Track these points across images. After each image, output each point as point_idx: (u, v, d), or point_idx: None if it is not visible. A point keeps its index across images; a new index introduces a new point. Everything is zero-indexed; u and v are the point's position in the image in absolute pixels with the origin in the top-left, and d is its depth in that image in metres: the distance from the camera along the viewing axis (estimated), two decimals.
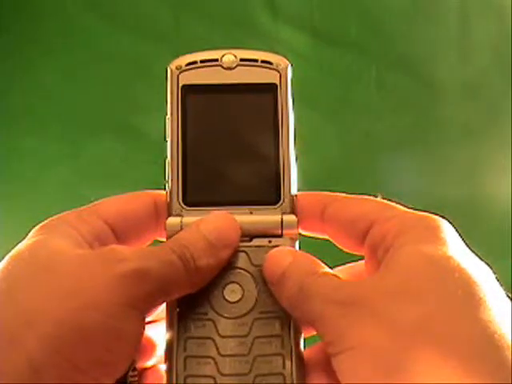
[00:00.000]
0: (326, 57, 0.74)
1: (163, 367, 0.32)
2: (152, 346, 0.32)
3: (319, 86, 0.72)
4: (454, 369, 0.22)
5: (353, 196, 0.30)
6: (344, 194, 0.31)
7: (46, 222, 0.29)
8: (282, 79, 0.31)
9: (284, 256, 0.28)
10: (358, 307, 0.25)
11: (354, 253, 0.30)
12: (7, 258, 0.27)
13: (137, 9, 0.74)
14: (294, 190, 0.31)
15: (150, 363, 0.32)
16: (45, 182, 0.70)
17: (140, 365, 0.32)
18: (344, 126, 0.73)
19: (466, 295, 0.24)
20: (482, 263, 0.26)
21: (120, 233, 0.30)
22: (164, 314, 0.32)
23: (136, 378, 0.29)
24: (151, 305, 0.26)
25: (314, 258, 0.28)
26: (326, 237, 0.31)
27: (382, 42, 0.75)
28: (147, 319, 0.32)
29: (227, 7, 0.74)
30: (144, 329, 0.27)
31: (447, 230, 0.27)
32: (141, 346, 0.29)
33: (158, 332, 0.32)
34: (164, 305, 0.30)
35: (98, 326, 0.24)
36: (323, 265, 0.29)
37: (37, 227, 0.29)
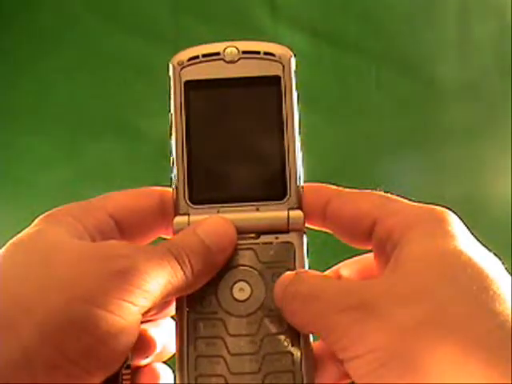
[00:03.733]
0: (326, 57, 0.74)
1: (159, 365, 0.32)
2: (151, 344, 0.32)
3: (319, 86, 0.72)
4: (477, 364, 0.22)
5: (355, 191, 0.30)
6: (347, 189, 0.30)
7: (50, 211, 0.29)
8: (286, 71, 0.31)
9: (285, 276, 0.28)
10: (370, 312, 0.24)
11: (359, 247, 0.30)
12: (8, 245, 0.27)
13: (137, 9, 0.74)
14: (300, 184, 0.30)
15: (146, 361, 0.32)
16: (44, 182, 0.70)
17: (136, 362, 0.31)
18: (344, 126, 0.73)
19: (481, 290, 0.24)
20: (491, 254, 0.26)
21: (124, 228, 0.30)
22: (167, 313, 0.32)
23: (129, 376, 0.29)
24: (147, 302, 0.26)
25: (315, 271, 0.28)
26: (330, 232, 0.31)
27: (382, 42, 0.75)
28: (153, 317, 0.32)
29: (227, 7, 0.74)
30: (140, 325, 0.27)
31: (454, 223, 0.27)
32: (138, 344, 0.29)
33: (158, 331, 0.32)
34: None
35: (90, 318, 0.24)
36: (326, 273, 0.29)
37: (41, 216, 0.29)
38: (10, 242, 0.27)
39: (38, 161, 0.71)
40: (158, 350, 0.32)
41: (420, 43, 0.76)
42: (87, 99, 0.72)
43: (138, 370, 0.32)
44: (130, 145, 0.71)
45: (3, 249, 0.27)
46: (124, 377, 0.28)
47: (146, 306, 0.26)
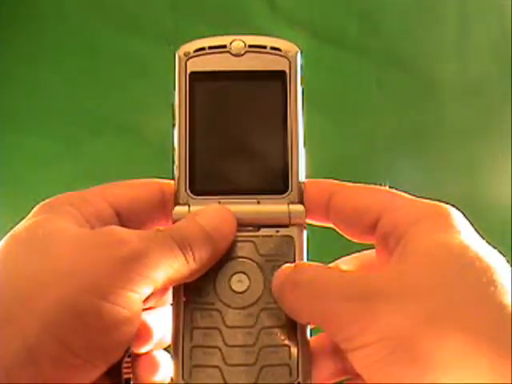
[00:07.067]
0: (326, 57, 0.74)
1: (158, 353, 0.32)
2: (148, 333, 0.32)
3: (319, 85, 0.72)
4: (488, 353, 0.22)
5: (359, 185, 0.30)
6: (350, 184, 0.30)
7: (47, 200, 0.29)
8: (292, 66, 0.31)
9: (285, 267, 0.28)
10: (379, 301, 0.24)
11: (361, 242, 0.30)
12: (6, 237, 0.27)
13: (136, 9, 0.74)
14: (302, 179, 0.30)
15: (144, 349, 0.32)
16: (44, 181, 0.70)
17: (135, 350, 0.31)
18: (344, 125, 0.73)
19: (490, 283, 0.24)
20: (495, 250, 0.26)
21: (124, 218, 0.30)
22: (162, 301, 0.32)
23: (129, 364, 0.29)
24: (150, 289, 0.26)
25: (316, 263, 0.28)
26: (332, 226, 0.31)
27: (382, 42, 0.75)
28: (153, 305, 0.32)
29: (227, 7, 0.74)
30: (141, 314, 0.26)
31: (458, 218, 0.27)
32: (138, 331, 0.29)
33: (155, 318, 0.32)
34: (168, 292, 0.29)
35: (94, 310, 0.24)
36: (328, 265, 0.29)
37: (38, 206, 0.28)
38: (9, 234, 0.27)
39: (38, 160, 0.70)
40: (158, 337, 0.32)
41: (420, 43, 0.76)
42: (87, 99, 0.72)
43: (136, 357, 0.32)
44: (130, 145, 0.71)
45: (2, 241, 0.27)
46: (125, 365, 0.28)
47: (147, 293, 0.26)
